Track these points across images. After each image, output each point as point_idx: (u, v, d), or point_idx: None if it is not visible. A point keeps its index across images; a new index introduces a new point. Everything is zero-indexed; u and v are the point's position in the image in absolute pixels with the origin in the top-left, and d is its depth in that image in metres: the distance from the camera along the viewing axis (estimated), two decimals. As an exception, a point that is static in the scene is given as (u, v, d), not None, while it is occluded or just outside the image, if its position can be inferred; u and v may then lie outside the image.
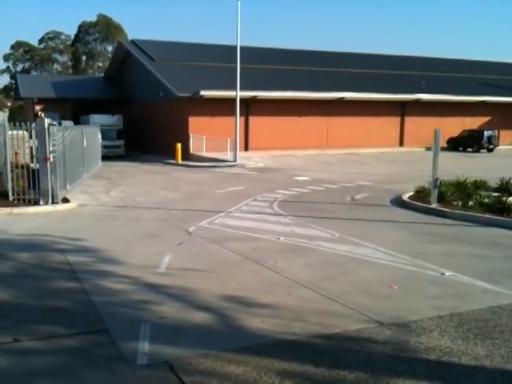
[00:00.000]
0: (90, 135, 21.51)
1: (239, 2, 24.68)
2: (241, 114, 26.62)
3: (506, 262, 7.94)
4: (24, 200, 13.27)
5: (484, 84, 40.31)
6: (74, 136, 16.93)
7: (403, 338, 5.11)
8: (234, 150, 25.20)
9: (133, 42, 39.14)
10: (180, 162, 26.27)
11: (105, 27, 71.23)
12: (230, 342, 5.04)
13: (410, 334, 5.23)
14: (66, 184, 14.78)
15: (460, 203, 12.58)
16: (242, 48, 25.29)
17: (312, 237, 9.69)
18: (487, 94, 37.51)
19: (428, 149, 25.87)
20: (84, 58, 74.11)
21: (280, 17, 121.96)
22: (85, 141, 19.13)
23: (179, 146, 26.66)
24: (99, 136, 23.94)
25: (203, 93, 28.05)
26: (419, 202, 13.06)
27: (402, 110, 35.82)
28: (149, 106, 33.88)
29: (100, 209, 13.36)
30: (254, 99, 30.09)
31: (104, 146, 27.97)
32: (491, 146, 34.34)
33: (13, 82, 61.49)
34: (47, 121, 13.21)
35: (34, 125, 13.47)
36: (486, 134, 34.32)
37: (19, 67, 74.26)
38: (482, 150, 34.23)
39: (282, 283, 6.91)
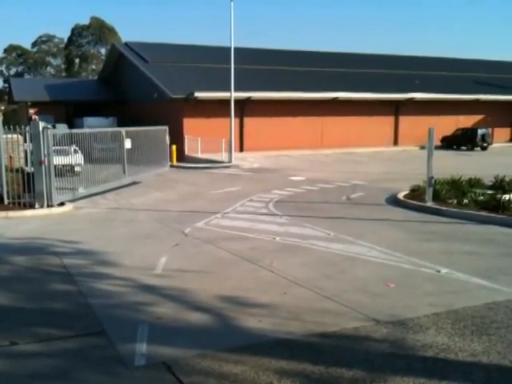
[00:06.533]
0: (145, 137, 19.92)
1: (232, 3, 24.74)
2: (235, 115, 26.63)
3: (501, 259, 7.98)
4: (19, 203, 13.23)
5: (477, 82, 40.47)
6: (101, 137, 16.85)
7: (400, 336, 5.13)
8: (229, 150, 25.19)
9: (126, 44, 39.09)
10: (175, 163, 26.21)
11: (98, 30, 71.26)
12: (228, 341, 5.05)
13: (406, 331, 5.25)
14: (75, 186, 14.73)
15: (455, 201, 12.63)
16: (236, 49, 25.30)
17: (307, 236, 9.71)
18: (481, 92, 37.63)
19: (422, 147, 25.96)
20: (77, 60, 74.05)
21: (274, 17, 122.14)
22: (127, 143, 18.40)
23: (174, 147, 26.61)
24: (167, 138, 22.18)
25: (197, 94, 28.06)
26: (414, 200, 13.10)
27: (396, 109, 35.92)
28: (143, 107, 33.79)
29: (95, 211, 13.34)
30: (248, 100, 30.10)
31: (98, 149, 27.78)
32: (485, 144, 34.39)
33: (6, 85, 61.32)
34: (41, 124, 13.19)
35: (28, 128, 13.44)
36: (480, 132, 34.37)
37: (12, 71, 74.18)
38: (476, 148, 34.30)
39: (278, 282, 6.92)
